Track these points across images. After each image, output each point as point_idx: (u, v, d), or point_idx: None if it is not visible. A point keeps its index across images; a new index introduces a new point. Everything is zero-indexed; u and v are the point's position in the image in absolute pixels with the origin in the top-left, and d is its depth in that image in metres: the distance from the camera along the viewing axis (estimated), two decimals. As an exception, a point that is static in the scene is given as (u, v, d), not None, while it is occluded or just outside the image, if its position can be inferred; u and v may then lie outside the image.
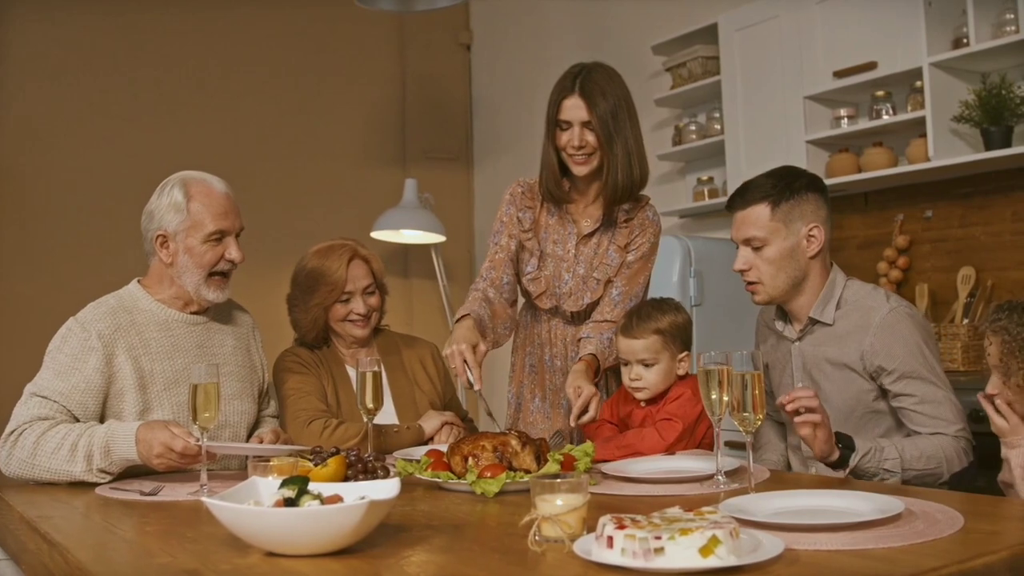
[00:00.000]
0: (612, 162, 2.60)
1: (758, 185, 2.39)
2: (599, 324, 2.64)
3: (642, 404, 2.53)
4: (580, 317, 2.73)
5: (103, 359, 2.40)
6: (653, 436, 2.40)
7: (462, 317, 2.54)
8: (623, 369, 2.53)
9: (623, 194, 2.64)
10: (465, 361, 2.37)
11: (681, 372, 2.52)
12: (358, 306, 2.85)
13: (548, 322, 2.76)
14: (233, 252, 2.54)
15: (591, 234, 2.72)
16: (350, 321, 2.87)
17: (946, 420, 2.24)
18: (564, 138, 2.62)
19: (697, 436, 2.47)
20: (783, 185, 2.36)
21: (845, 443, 2.06)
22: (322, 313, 2.86)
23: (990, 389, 2.05)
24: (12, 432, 2.34)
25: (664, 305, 2.54)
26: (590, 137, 2.59)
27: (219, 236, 2.51)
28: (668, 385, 2.50)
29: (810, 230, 2.35)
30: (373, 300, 2.91)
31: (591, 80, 2.59)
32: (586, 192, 2.73)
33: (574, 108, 2.59)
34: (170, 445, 2.21)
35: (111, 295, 2.55)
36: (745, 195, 2.39)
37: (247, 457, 2.48)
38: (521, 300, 2.84)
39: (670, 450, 2.38)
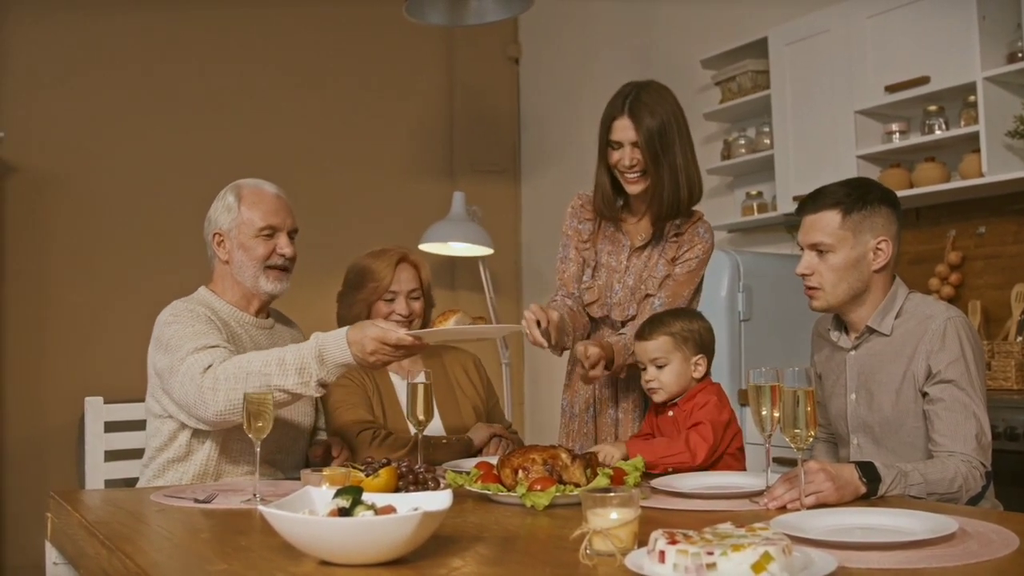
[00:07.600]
0: (659, 182, 2.67)
1: (832, 192, 2.38)
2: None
3: (669, 414, 2.54)
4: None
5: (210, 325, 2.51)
6: (682, 449, 2.38)
7: None
8: (642, 375, 2.55)
9: (668, 212, 2.70)
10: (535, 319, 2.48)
11: (697, 375, 2.52)
12: (401, 307, 2.92)
13: (597, 332, 2.79)
14: (285, 247, 2.64)
15: (643, 247, 2.76)
16: (392, 322, 2.92)
17: (962, 438, 2.20)
18: (615, 157, 2.69)
19: (721, 446, 2.46)
20: (857, 195, 2.35)
21: (869, 475, 2.03)
22: (364, 310, 2.92)
23: None
24: (207, 370, 2.35)
25: (680, 312, 2.58)
26: (640, 156, 2.65)
27: (270, 231, 2.63)
28: (683, 387, 2.51)
29: (878, 243, 2.34)
30: (417, 305, 2.96)
31: (640, 100, 2.66)
32: (638, 209, 2.78)
33: (623, 129, 2.66)
34: (383, 339, 2.24)
35: (183, 298, 2.64)
36: (817, 200, 2.38)
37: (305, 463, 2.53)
38: None
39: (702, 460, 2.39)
